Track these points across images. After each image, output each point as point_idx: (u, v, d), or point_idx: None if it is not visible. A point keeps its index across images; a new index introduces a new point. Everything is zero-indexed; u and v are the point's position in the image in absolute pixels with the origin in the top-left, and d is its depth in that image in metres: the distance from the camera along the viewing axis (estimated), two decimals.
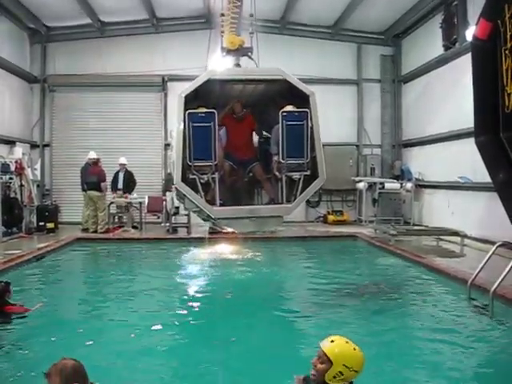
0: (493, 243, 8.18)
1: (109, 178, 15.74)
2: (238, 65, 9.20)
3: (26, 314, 6.94)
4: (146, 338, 6.43)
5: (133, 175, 16.13)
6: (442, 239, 12.80)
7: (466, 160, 12.48)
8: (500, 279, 6.89)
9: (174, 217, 15.34)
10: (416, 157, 17.43)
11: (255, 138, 9.96)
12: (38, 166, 17.13)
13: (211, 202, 8.28)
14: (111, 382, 4.42)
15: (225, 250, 12.86)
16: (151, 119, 17.81)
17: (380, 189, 16.80)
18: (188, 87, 8.19)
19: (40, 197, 16.91)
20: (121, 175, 16.01)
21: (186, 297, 8.68)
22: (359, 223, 17.23)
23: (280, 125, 8.17)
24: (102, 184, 15.26)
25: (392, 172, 18.15)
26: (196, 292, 9.03)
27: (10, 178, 14.24)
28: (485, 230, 11.95)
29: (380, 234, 13.77)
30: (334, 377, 2.97)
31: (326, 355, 2.98)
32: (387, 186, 16.82)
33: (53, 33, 17.53)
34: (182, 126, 8.00)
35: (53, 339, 6.03)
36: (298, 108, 8.30)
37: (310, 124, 8.21)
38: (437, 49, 14.92)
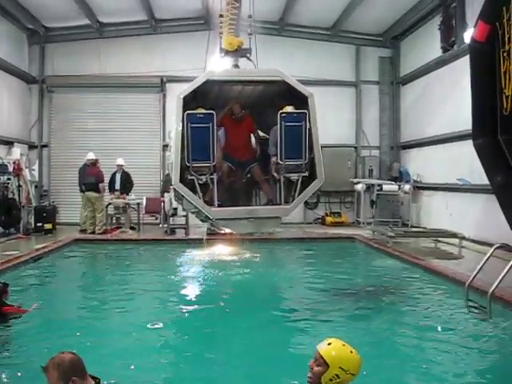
0: (491, 245, 8.15)
1: (106, 179, 15.74)
2: (236, 66, 9.21)
3: (23, 315, 6.93)
4: (144, 338, 6.44)
5: (130, 176, 16.12)
6: (440, 241, 12.80)
7: (464, 162, 12.50)
8: (498, 281, 6.87)
9: (172, 218, 15.33)
10: (414, 159, 17.45)
11: (253, 138, 9.96)
12: (36, 167, 17.17)
13: (209, 203, 8.28)
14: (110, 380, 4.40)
15: (223, 251, 12.84)
16: (150, 120, 17.81)
17: (378, 190, 16.80)
18: (186, 88, 8.19)
19: (38, 197, 16.90)
20: (118, 176, 16.02)
21: (184, 298, 8.68)
22: (357, 225, 17.23)
23: (278, 126, 8.17)
24: (100, 185, 15.25)
25: (390, 174, 18.17)
26: (194, 293, 9.04)
27: (8, 179, 14.24)
28: (483, 232, 11.96)
29: (378, 236, 13.76)
30: (331, 379, 2.95)
31: (322, 358, 2.96)
32: (385, 187, 16.83)
33: (51, 33, 17.52)
34: (180, 127, 8.00)
35: (51, 339, 6.02)
36: (297, 109, 8.30)
37: (308, 125, 8.21)
38: (435, 51, 14.94)
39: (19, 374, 5.07)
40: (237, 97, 9.18)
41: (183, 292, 9.07)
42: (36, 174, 17.12)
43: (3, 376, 5.02)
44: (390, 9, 15.83)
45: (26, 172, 15.38)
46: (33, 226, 14.99)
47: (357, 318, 7.40)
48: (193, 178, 8.09)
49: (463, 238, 12.02)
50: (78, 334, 6.28)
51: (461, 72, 11.59)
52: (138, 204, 15.91)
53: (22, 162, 15.30)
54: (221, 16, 10.03)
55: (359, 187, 17.18)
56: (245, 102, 9.23)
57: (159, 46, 17.69)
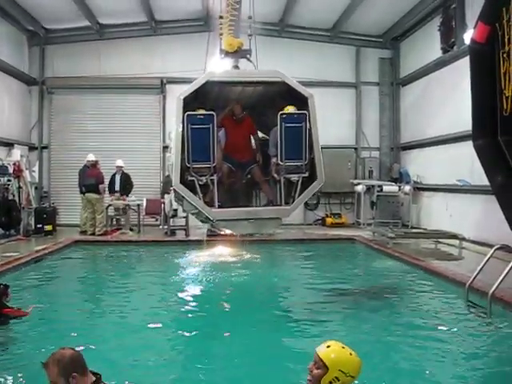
0: (491, 246, 8.18)
1: (106, 181, 15.74)
2: (236, 67, 9.21)
3: (23, 317, 6.93)
4: (144, 338, 6.45)
5: (129, 177, 16.13)
6: (440, 242, 12.79)
7: (465, 163, 12.50)
8: (498, 282, 6.89)
9: (172, 219, 15.33)
10: (414, 160, 17.45)
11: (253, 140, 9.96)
12: (36, 168, 17.17)
13: (210, 204, 8.27)
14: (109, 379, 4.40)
15: (223, 252, 12.83)
16: (150, 122, 17.81)
17: (378, 192, 16.81)
18: (187, 89, 8.19)
19: (38, 199, 16.89)
20: (117, 177, 16.03)
21: (184, 299, 8.67)
22: (357, 226, 17.23)
23: (278, 127, 8.16)
24: (100, 186, 15.25)
25: (390, 175, 18.17)
26: (194, 294, 9.02)
27: (8, 180, 14.24)
28: (483, 233, 11.95)
29: (378, 237, 13.76)
30: (330, 382, 2.94)
31: (321, 360, 2.96)
32: (385, 188, 16.83)
33: (51, 35, 17.54)
34: (180, 128, 8.00)
35: (51, 340, 6.01)
36: (297, 110, 8.30)
37: (308, 126, 8.21)
38: (435, 52, 14.96)
39: (19, 374, 5.07)
40: (237, 98, 9.17)
41: (183, 293, 9.06)
42: (36, 175, 17.12)
43: (3, 376, 5.02)
44: (390, 10, 15.84)
45: (26, 173, 15.37)
46: (33, 227, 14.98)
47: (357, 319, 7.40)
48: (193, 178, 8.09)
49: (463, 239, 12.01)
50: (79, 334, 6.29)
51: (461, 73, 11.59)
52: (139, 205, 15.92)
53: (22, 164, 15.30)
54: (221, 17, 10.03)
55: (359, 188, 17.18)
56: (245, 103, 9.23)
57: (159, 47, 17.71)
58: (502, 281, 6.89)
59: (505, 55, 6.19)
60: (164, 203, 15.36)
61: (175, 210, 14.95)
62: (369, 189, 17.13)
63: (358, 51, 18.58)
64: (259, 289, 9.51)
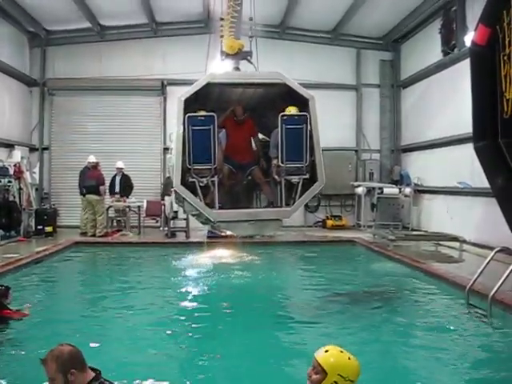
0: (491, 248, 8.18)
1: (107, 182, 15.75)
2: (237, 68, 9.21)
3: (23, 318, 6.94)
4: (144, 338, 6.46)
5: (130, 179, 16.14)
6: (440, 244, 12.80)
7: (465, 165, 12.50)
8: (498, 284, 6.89)
9: (172, 221, 15.33)
10: (415, 162, 17.45)
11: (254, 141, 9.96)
12: (36, 170, 17.17)
13: (210, 205, 8.28)
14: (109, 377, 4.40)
15: (223, 254, 12.83)
16: (150, 123, 17.82)
17: (379, 194, 16.80)
18: (188, 90, 8.19)
19: (39, 200, 16.90)
20: (117, 179, 16.04)
21: (184, 300, 8.66)
22: (358, 228, 17.22)
23: (279, 128, 8.17)
24: (101, 187, 15.26)
25: (391, 177, 18.16)
26: (194, 296, 9.02)
27: (9, 182, 14.23)
28: (483, 236, 11.94)
29: (379, 239, 13.76)
30: None
31: (320, 365, 2.94)
32: (386, 190, 16.83)
33: (52, 36, 17.56)
34: (181, 130, 8.00)
35: (51, 340, 6.00)
36: (299, 110, 8.31)
37: (309, 128, 8.21)
38: (436, 54, 14.97)
39: (19, 374, 5.08)
40: (238, 99, 9.18)
41: (183, 294, 9.06)
42: (37, 176, 17.12)
43: (3, 376, 5.02)
44: (391, 12, 15.85)
45: (26, 175, 15.37)
46: (33, 228, 15.00)
47: (357, 321, 7.38)
48: (194, 180, 8.09)
49: (464, 241, 12.02)
50: (79, 334, 6.29)
51: (461, 75, 11.59)
52: (139, 207, 15.94)
53: (23, 165, 15.31)
54: (221, 19, 10.04)
55: (360, 190, 17.18)
56: (246, 105, 9.23)
57: (160, 49, 17.73)
58: (502, 283, 6.89)
59: (505, 58, 6.19)
60: (164, 205, 15.36)
61: (175, 212, 14.95)
62: (369, 191, 17.13)
63: (359, 53, 18.58)
64: (259, 290, 9.50)
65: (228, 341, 6.42)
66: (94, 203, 15.21)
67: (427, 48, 15.75)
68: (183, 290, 9.43)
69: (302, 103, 8.37)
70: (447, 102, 14.52)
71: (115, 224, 16.35)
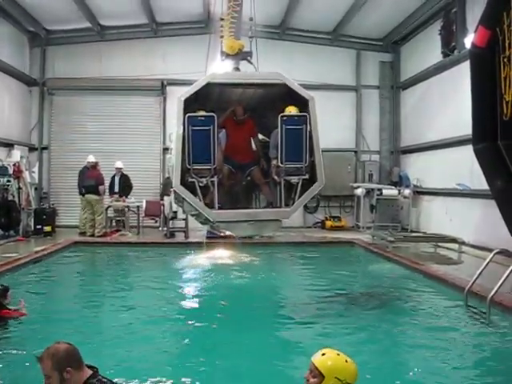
0: (490, 250, 8.18)
1: (106, 182, 15.75)
2: (237, 69, 9.20)
3: (21, 318, 6.94)
4: (143, 338, 6.47)
5: (129, 179, 16.14)
6: (439, 246, 12.81)
7: (464, 167, 12.50)
8: (497, 286, 6.90)
9: (171, 221, 15.33)
10: (414, 163, 17.46)
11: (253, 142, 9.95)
12: (35, 169, 17.15)
13: (210, 206, 8.27)
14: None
15: (222, 254, 12.83)
16: (150, 123, 17.83)
17: (378, 195, 16.81)
18: (188, 90, 8.18)
19: (38, 200, 16.88)
20: (117, 179, 16.05)
21: (182, 300, 8.67)
22: (357, 229, 17.21)
23: (279, 129, 8.16)
24: (100, 187, 15.26)
25: (390, 178, 18.17)
26: (193, 296, 9.03)
27: (8, 181, 14.23)
28: (482, 237, 11.95)
29: (378, 241, 13.76)
30: None
31: (317, 369, 2.94)
32: (385, 192, 16.85)
33: (52, 36, 17.57)
34: (181, 130, 8.00)
35: (50, 340, 5.99)
36: (299, 110, 8.31)
37: (309, 128, 8.21)
38: (435, 56, 14.98)
39: (19, 374, 5.08)
40: (238, 100, 9.17)
41: (182, 294, 9.06)
42: (36, 176, 17.10)
43: (3, 376, 5.02)
44: (391, 13, 15.87)
45: (25, 174, 15.36)
46: (32, 228, 14.99)
47: (355, 322, 7.39)
48: (193, 180, 8.09)
49: (463, 243, 12.03)
50: (78, 334, 6.30)
51: (461, 77, 11.61)
52: (138, 207, 15.94)
53: (22, 165, 15.30)
54: (221, 19, 10.03)
55: (359, 191, 17.18)
56: (246, 105, 9.22)
57: (160, 49, 17.74)
58: (501, 285, 6.90)
59: (505, 60, 6.18)
60: (163, 205, 15.36)
61: (175, 212, 14.95)
62: (368, 192, 17.14)
63: (359, 54, 18.61)
64: (258, 291, 9.51)
65: (227, 341, 6.42)
66: (93, 203, 15.21)
67: (427, 49, 15.76)
68: (182, 290, 9.44)
69: (302, 104, 8.37)
70: (447, 104, 14.53)
71: (114, 224, 16.34)
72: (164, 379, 5.17)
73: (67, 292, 9.69)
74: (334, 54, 18.33)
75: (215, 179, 8.24)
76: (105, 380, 3.06)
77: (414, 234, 15.11)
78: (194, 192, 8.11)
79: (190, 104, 8.17)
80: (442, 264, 10.85)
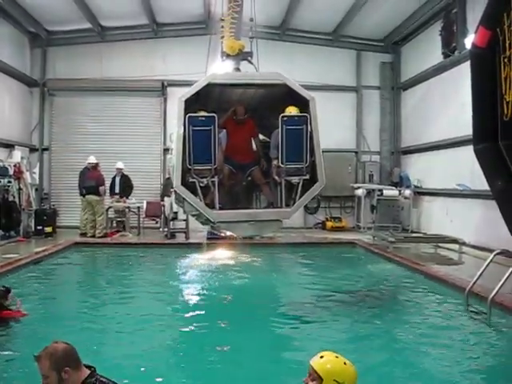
0: (491, 251, 8.18)
1: (107, 183, 15.76)
2: (237, 69, 9.21)
3: (22, 318, 6.95)
4: (143, 339, 6.47)
5: (130, 179, 16.15)
6: (440, 246, 12.81)
7: (465, 167, 12.50)
8: (498, 287, 6.89)
9: (172, 222, 15.33)
10: (415, 164, 17.46)
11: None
12: (36, 170, 17.15)
13: (210, 206, 8.28)
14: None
15: (223, 255, 12.84)
16: (150, 124, 17.83)
17: (378, 196, 16.81)
18: (188, 91, 8.19)
19: (38, 201, 16.89)
20: (117, 180, 16.05)
21: (183, 301, 8.70)
22: (357, 230, 17.22)
23: (280, 129, 8.17)
24: (101, 188, 15.26)
25: (390, 179, 18.16)
26: (193, 297, 9.04)
27: (9, 182, 14.22)
28: (483, 238, 11.95)
29: (378, 241, 13.76)
30: None
31: (315, 372, 2.92)
32: (386, 192, 16.84)
33: (53, 37, 17.58)
34: (182, 130, 8.01)
35: (49, 340, 6.01)
36: (299, 110, 8.31)
37: (309, 129, 8.21)
38: (436, 56, 14.97)
39: (19, 375, 5.08)
40: (238, 100, 9.18)
41: (183, 295, 9.08)
42: (37, 177, 17.11)
43: (3, 377, 5.03)
44: (391, 14, 15.87)
45: (26, 175, 15.37)
46: (33, 229, 15.00)
47: (356, 322, 7.39)
48: (194, 180, 8.09)
49: (463, 243, 12.03)
50: (78, 334, 6.28)
51: (461, 78, 11.62)
52: (139, 208, 15.95)
53: (23, 165, 15.30)
54: (222, 20, 10.05)
55: (360, 192, 17.18)
56: (246, 105, 9.23)
57: (160, 49, 17.74)
58: (501, 286, 6.89)
59: (506, 60, 6.18)
60: (164, 206, 15.36)
61: (175, 213, 14.96)
62: (369, 193, 17.14)
63: (359, 55, 18.61)
64: (259, 291, 9.51)
65: (228, 341, 6.42)
66: (93, 204, 15.21)
67: (428, 50, 15.76)
68: (182, 290, 9.45)
69: (303, 104, 8.38)
70: (447, 105, 14.53)
71: (115, 225, 16.34)
72: (164, 379, 5.18)
73: (68, 292, 9.69)
74: (334, 55, 18.34)
75: (216, 179, 8.25)
76: (103, 379, 3.05)
77: (414, 235, 15.10)
78: (194, 192, 8.12)
79: (191, 104, 8.18)
80: (443, 265, 10.84)
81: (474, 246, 12.15)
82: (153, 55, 17.74)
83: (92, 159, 15.53)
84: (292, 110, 8.34)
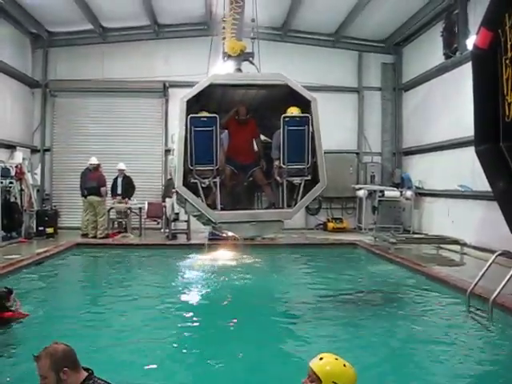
0: (492, 252, 8.16)
1: (109, 184, 15.77)
2: (239, 70, 9.22)
3: (23, 319, 6.95)
4: (143, 339, 6.48)
5: (132, 180, 16.16)
6: (441, 247, 12.79)
7: (466, 168, 12.49)
8: (499, 288, 6.87)
9: (173, 223, 15.33)
10: (416, 165, 17.45)
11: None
12: (38, 171, 17.18)
13: (212, 206, 8.29)
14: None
15: (224, 256, 12.84)
16: (152, 125, 17.84)
17: (380, 197, 16.79)
18: (190, 91, 8.21)
19: (40, 201, 16.91)
20: (119, 181, 16.06)
21: (184, 302, 8.69)
22: (359, 231, 17.22)
23: (281, 130, 8.18)
24: (102, 189, 15.27)
25: (392, 180, 18.16)
26: (194, 297, 9.04)
27: (10, 183, 14.23)
28: (484, 239, 11.93)
29: (380, 242, 13.75)
30: None
31: (315, 373, 2.93)
32: (387, 193, 16.82)
33: (55, 38, 17.60)
34: (183, 131, 8.02)
35: (50, 341, 6.01)
36: (301, 111, 8.32)
37: (311, 129, 8.22)
38: (437, 57, 14.96)
39: (19, 375, 5.08)
40: (240, 100, 9.19)
41: (183, 296, 9.07)
42: (38, 178, 17.14)
43: (3, 377, 5.03)
44: (393, 15, 15.88)
45: (28, 176, 15.39)
46: (34, 229, 15.02)
47: (357, 323, 7.38)
48: (196, 181, 8.10)
49: (465, 244, 12.01)
50: (79, 335, 6.30)
51: (463, 79, 11.60)
52: (140, 208, 15.95)
53: (25, 166, 15.31)
54: (223, 21, 10.06)
55: (361, 193, 17.17)
56: (248, 106, 9.24)
57: (162, 51, 17.75)
58: (503, 287, 6.88)
59: (507, 61, 6.18)
60: (165, 207, 15.37)
61: (177, 214, 14.98)
62: (370, 194, 17.12)
63: (361, 56, 18.61)
64: (260, 292, 9.51)
65: (228, 341, 6.42)
66: (95, 204, 15.22)
67: (429, 51, 15.76)
68: (184, 291, 9.44)
69: (304, 105, 8.39)
70: (449, 106, 14.53)
71: (116, 225, 16.35)
72: (165, 379, 5.19)
73: (69, 293, 9.69)
74: (335, 56, 18.34)
75: (217, 180, 8.26)
76: (101, 382, 3.06)
77: (415, 236, 15.07)
78: (196, 193, 8.13)
79: (193, 105, 8.19)
80: (444, 266, 10.84)
81: (475, 247, 12.13)
82: (154, 56, 17.75)
83: (94, 160, 15.54)
84: (294, 111, 8.35)
